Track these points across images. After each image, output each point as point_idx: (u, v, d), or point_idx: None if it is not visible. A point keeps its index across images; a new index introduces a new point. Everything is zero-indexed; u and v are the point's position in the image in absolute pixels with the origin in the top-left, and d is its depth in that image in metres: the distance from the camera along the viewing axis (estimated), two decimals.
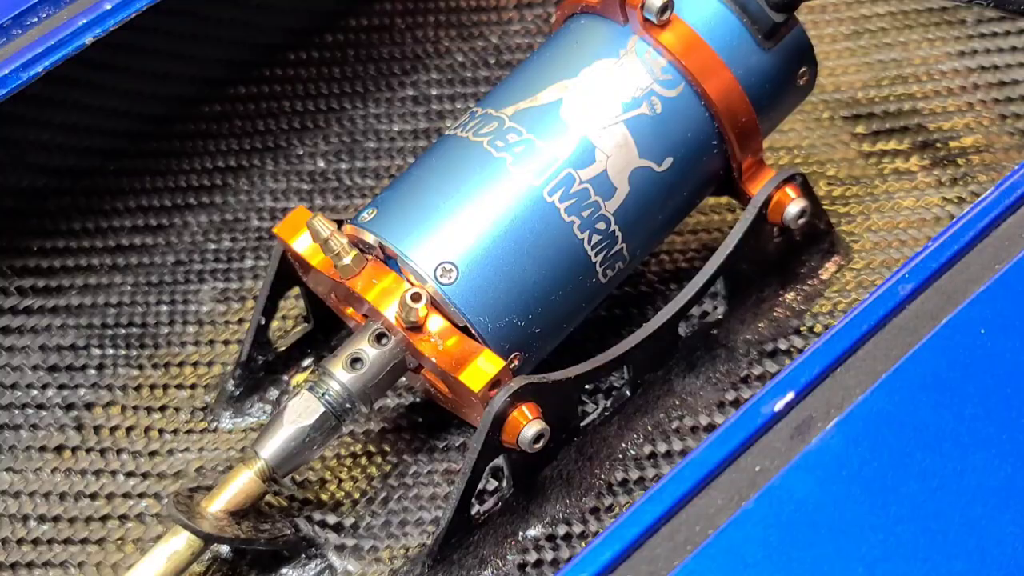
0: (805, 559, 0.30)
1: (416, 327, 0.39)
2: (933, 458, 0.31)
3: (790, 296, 0.45)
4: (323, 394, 0.39)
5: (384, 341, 0.40)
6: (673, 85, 0.41)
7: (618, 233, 0.40)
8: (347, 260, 0.39)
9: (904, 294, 0.34)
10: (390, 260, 0.40)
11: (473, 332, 0.39)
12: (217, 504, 0.39)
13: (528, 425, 0.38)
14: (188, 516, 0.38)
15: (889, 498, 0.31)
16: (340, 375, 0.40)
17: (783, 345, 0.44)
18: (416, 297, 0.38)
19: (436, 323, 0.39)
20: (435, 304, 0.39)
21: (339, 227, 0.40)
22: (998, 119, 0.51)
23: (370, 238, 0.40)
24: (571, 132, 0.40)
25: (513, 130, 0.40)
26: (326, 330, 0.46)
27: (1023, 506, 0.30)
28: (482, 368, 0.38)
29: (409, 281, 0.39)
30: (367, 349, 0.40)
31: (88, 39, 0.44)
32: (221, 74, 0.55)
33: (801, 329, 0.44)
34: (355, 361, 0.40)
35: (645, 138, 0.40)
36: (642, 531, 0.31)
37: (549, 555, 0.40)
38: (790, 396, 0.32)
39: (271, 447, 0.39)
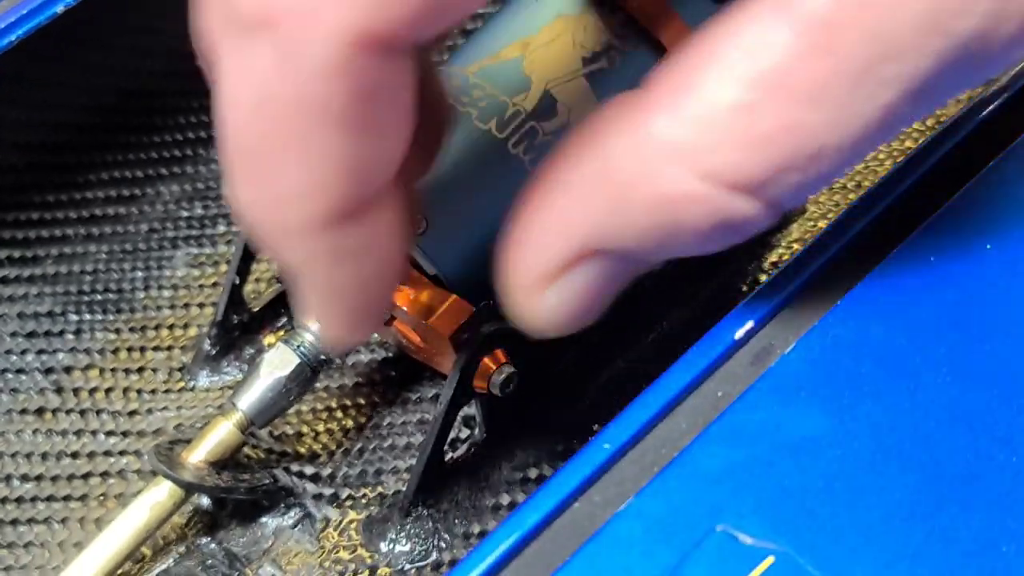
0: (765, 475, 0.31)
1: None
2: (886, 377, 0.32)
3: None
4: (298, 346, 0.40)
5: None
6: (631, 39, 0.42)
7: None
8: None
9: (856, 227, 0.35)
10: None
11: (443, 281, 0.40)
12: (197, 454, 0.40)
13: (498, 370, 0.39)
14: (169, 466, 0.39)
15: (845, 416, 0.32)
16: (314, 327, 0.41)
17: (744, 288, 0.45)
18: None
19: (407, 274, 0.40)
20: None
21: None
22: None
23: None
24: (533, 87, 0.41)
25: (477, 86, 0.42)
26: None
27: (971, 419, 0.31)
28: (452, 314, 0.39)
29: None
30: None
31: (59, 8, 0.45)
32: (191, 47, 0.56)
33: (760, 277, 0.46)
34: None
35: (606, 91, 0.42)
36: (610, 455, 0.32)
37: (521, 497, 0.41)
38: (750, 325, 0.34)
39: (249, 398, 0.40)
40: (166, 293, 0.49)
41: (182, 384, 0.46)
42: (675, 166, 0.26)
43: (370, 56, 0.25)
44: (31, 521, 0.43)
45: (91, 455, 0.44)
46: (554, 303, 0.30)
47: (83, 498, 0.43)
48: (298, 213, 0.27)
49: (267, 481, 0.42)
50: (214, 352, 0.46)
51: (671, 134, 0.26)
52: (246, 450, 0.43)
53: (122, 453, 0.44)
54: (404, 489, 0.42)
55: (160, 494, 0.40)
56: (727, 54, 0.26)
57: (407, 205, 0.30)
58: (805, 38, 0.26)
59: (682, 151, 0.26)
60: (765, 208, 0.27)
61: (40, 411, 0.46)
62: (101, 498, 0.43)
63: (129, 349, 0.47)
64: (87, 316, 0.48)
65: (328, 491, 0.43)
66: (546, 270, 0.29)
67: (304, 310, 0.31)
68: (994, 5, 0.25)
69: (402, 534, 0.41)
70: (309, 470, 0.43)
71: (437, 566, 0.40)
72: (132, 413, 0.45)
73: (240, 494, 0.41)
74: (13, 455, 0.44)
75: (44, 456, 0.44)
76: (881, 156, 0.49)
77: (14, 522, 0.43)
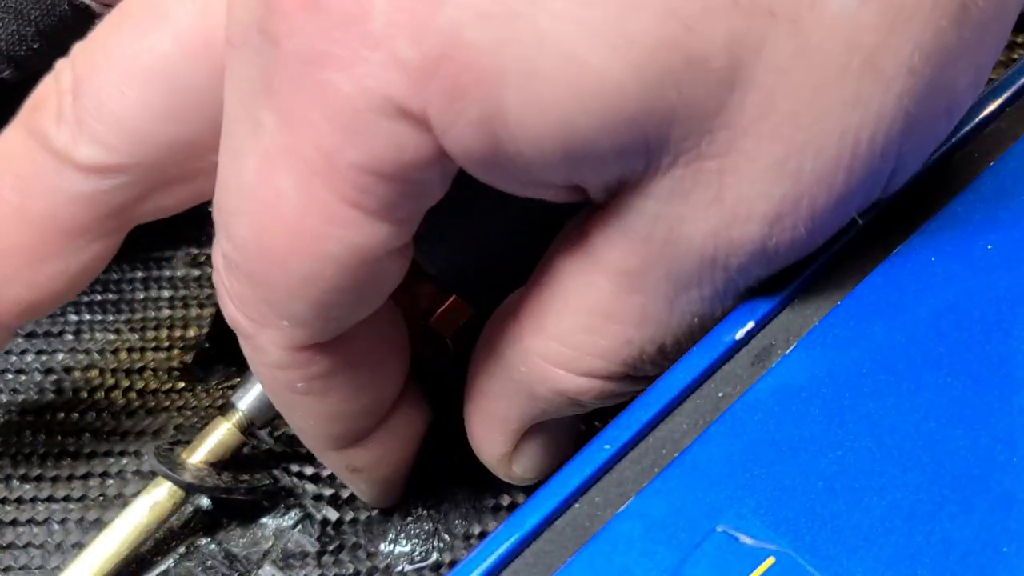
0: (765, 475, 0.31)
1: None
2: (887, 377, 0.32)
3: None
4: None
5: None
6: None
7: None
8: None
9: (856, 227, 0.35)
10: None
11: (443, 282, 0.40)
12: (197, 455, 0.40)
13: None
14: (169, 467, 0.39)
15: (845, 416, 0.32)
16: None
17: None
18: None
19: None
20: None
21: None
22: None
23: None
24: None
25: None
26: None
27: (971, 419, 0.31)
28: (452, 314, 0.39)
29: None
30: None
31: None
32: None
33: None
34: None
35: None
36: (610, 455, 0.32)
37: (522, 497, 0.42)
38: (750, 325, 0.34)
39: (249, 398, 0.40)
40: (166, 293, 0.49)
41: (182, 384, 0.46)
42: (558, 369, 0.33)
43: (306, 353, 0.33)
44: (31, 522, 0.43)
45: (91, 455, 0.44)
46: (523, 470, 0.38)
47: (82, 499, 0.43)
48: (315, 443, 0.38)
49: (267, 481, 0.42)
50: (214, 352, 0.46)
51: (545, 349, 0.33)
52: (246, 450, 0.43)
53: (122, 454, 0.44)
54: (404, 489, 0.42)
55: (160, 495, 0.40)
56: (568, 291, 0.33)
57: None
58: (617, 283, 0.32)
59: (557, 360, 0.33)
60: (640, 382, 0.33)
61: (40, 411, 0.46)
62: (100, 499, 0.43)
63: (129, 349, 0.47)
64: (87, 316, 0.48)
65: (328, 491, 0.43)
66: (504, 451, 0.37)
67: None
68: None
69: (402, 534, 0.41)
70: (309, 470, 0.43)
71: (437, 567, 0.40)
72: (132, 413, 0.45)
73: (240, 495, 0.41)
74: (13, 455, 0.45)
75: (43, 457, 0.44)
76: None
77: (14, 523, 0.43)
